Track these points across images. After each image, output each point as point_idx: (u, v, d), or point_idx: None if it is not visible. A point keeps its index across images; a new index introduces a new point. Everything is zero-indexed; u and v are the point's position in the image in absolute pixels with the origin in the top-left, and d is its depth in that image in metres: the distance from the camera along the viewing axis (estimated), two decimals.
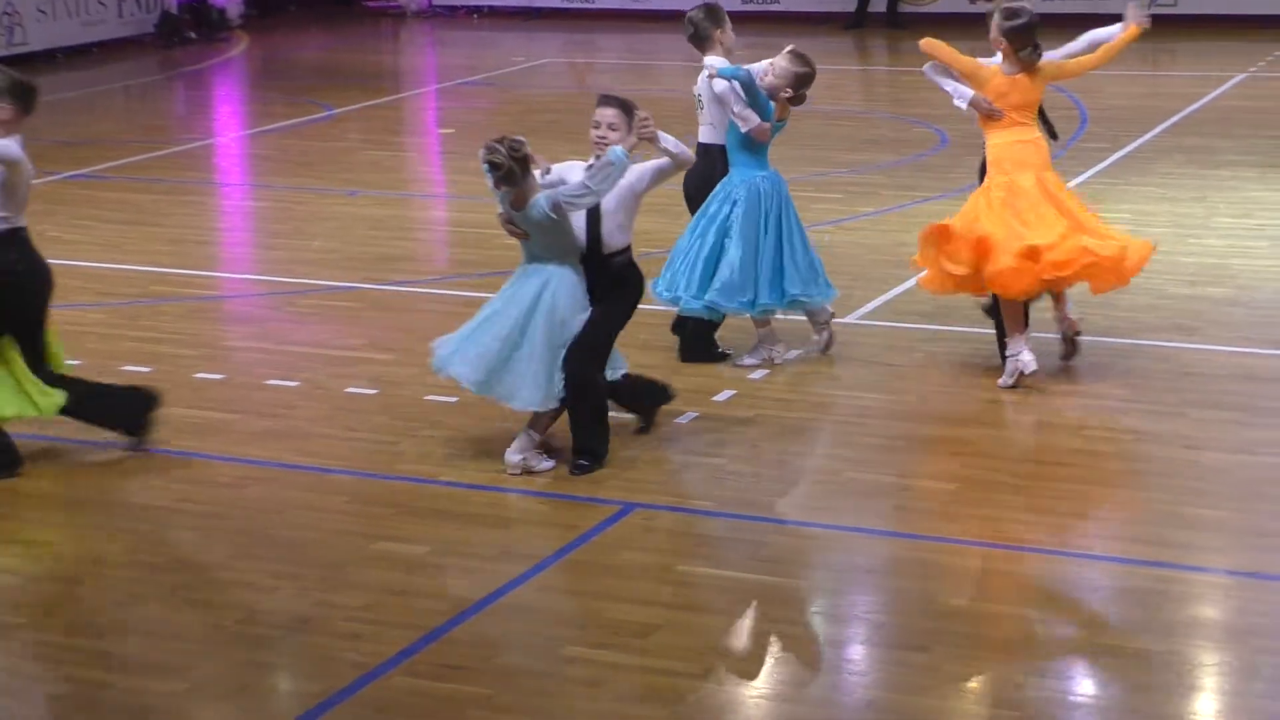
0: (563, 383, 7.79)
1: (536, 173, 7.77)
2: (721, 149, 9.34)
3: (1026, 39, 8.63)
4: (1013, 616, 6.56)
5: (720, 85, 9.10)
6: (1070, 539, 7.18)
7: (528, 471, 7.90)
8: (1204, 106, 17.30)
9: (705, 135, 9.44)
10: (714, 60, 9.23)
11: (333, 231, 13.04)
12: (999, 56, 8.77)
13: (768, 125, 9.08)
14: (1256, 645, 6.20)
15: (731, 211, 9.15)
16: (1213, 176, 13.83)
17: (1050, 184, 8.80)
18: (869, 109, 18.78)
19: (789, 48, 9.16)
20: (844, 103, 18.25)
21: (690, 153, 8.18)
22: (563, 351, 7.77)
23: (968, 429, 8.49)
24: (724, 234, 9.15)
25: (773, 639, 6.40)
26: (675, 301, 9.29)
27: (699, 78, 9.36)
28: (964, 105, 8.78)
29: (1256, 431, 8.39)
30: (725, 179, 9.29)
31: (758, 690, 6.00)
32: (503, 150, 7.63)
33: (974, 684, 6.02)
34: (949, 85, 8.81)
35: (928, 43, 8.83)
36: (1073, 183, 10.71)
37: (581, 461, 7.94)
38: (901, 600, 6.73)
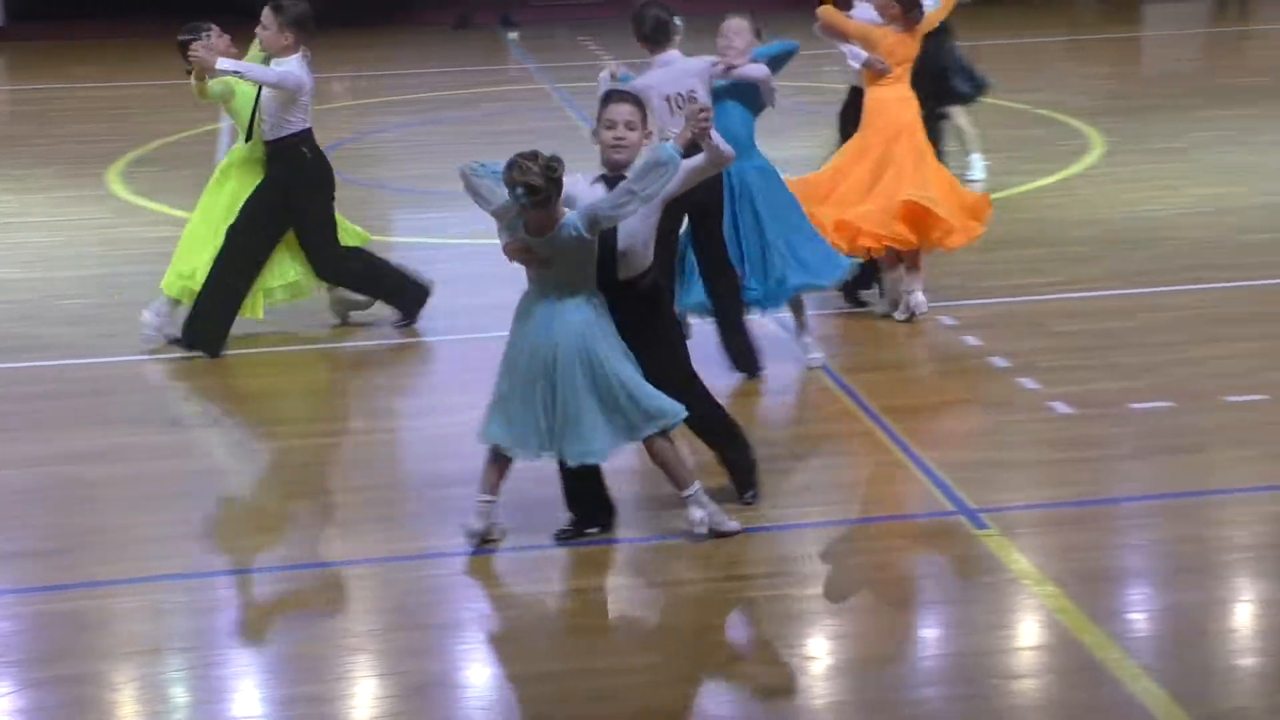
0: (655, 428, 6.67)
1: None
2: None
3: (913, 1, 9.28)
4: None
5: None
6: None
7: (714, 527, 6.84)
8: None
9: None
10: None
11: None
12: (868, 11, 9.47)
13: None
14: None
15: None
16: None
17: (918, 143, 9.44)
18: None
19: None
20: None
21: (732, 150, 6.82)
22: (615, 394, 6.60)
23: None
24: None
25: None
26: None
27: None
28: (858, 65, 9.43)
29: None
30: None
31: None
32: (538, 170, 6.28)
33: None
34: (844, 47, 9.51)
35: (825, 10, 9.33)
36: None
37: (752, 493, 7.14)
38: None
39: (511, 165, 6.36)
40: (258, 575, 6.90)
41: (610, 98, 6.79)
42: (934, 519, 7.04)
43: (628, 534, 6.95)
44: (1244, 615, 6.25)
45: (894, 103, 9.37)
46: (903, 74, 9.38)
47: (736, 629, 6.32)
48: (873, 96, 9.41)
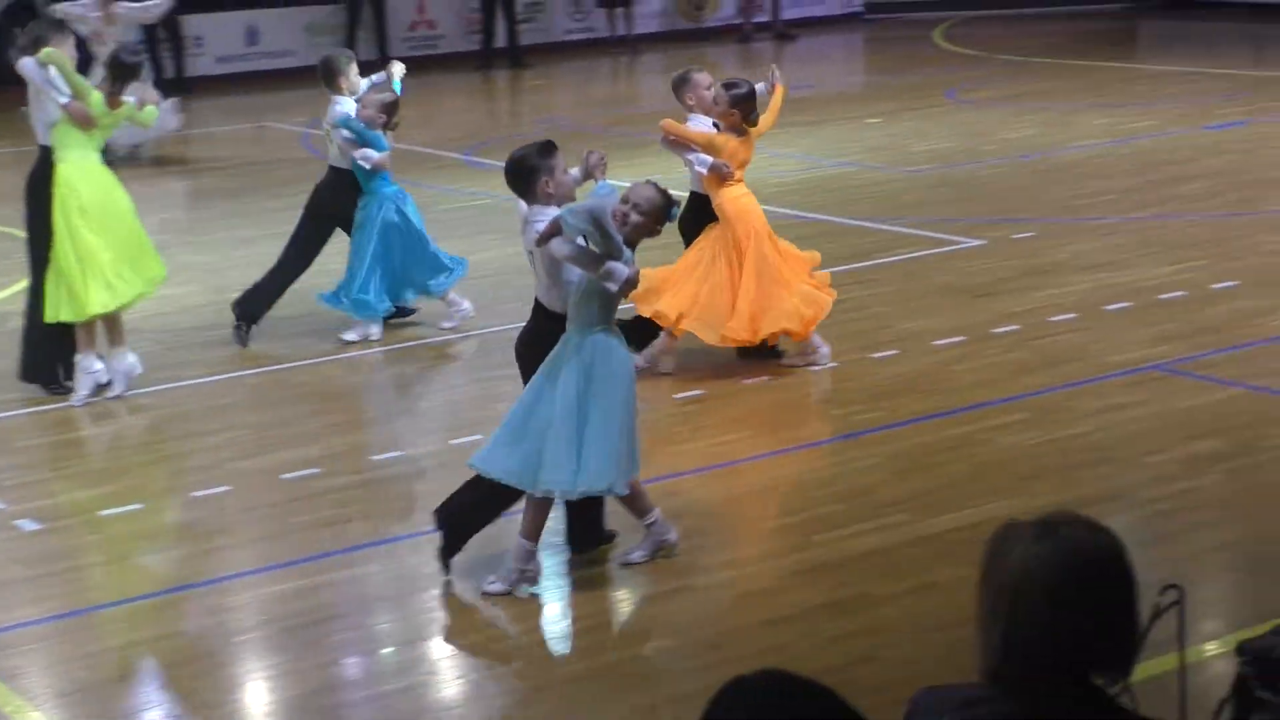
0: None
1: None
2: (350, 173, 10.82)
3: (750, 105, 9.73)
4: None
5: (339, 135, 10.67)
6: None
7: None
8: None
9: (335, 161, 11.05)
10: (342, 104, 10.80)
11: None
12: (703, 121, 9.88)
13: (385, 155, 10.64)
14: None
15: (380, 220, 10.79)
16: None
17: (776, 242, 9.98)
18: None
19: (372, 80, 11.04)
20: None
21: None
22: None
23: None
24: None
25: None
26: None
27: (327, 117, 10.87)
28: (705, 171, 9.71)
29: None
30: (363, 199, 10.82)
31: None
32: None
33: None
34: (689, 155, 9.77)
35: (667, 124, 9.82)
36: None
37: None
38: None
39: (659, 191, 6.86)
40: None
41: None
42: None
43: None
44: (454, 686, 6.28)
45: (748, 201, 9.85)
46: (742, 176, 9.85)
47: None
48: (728, 198, 9.80)
